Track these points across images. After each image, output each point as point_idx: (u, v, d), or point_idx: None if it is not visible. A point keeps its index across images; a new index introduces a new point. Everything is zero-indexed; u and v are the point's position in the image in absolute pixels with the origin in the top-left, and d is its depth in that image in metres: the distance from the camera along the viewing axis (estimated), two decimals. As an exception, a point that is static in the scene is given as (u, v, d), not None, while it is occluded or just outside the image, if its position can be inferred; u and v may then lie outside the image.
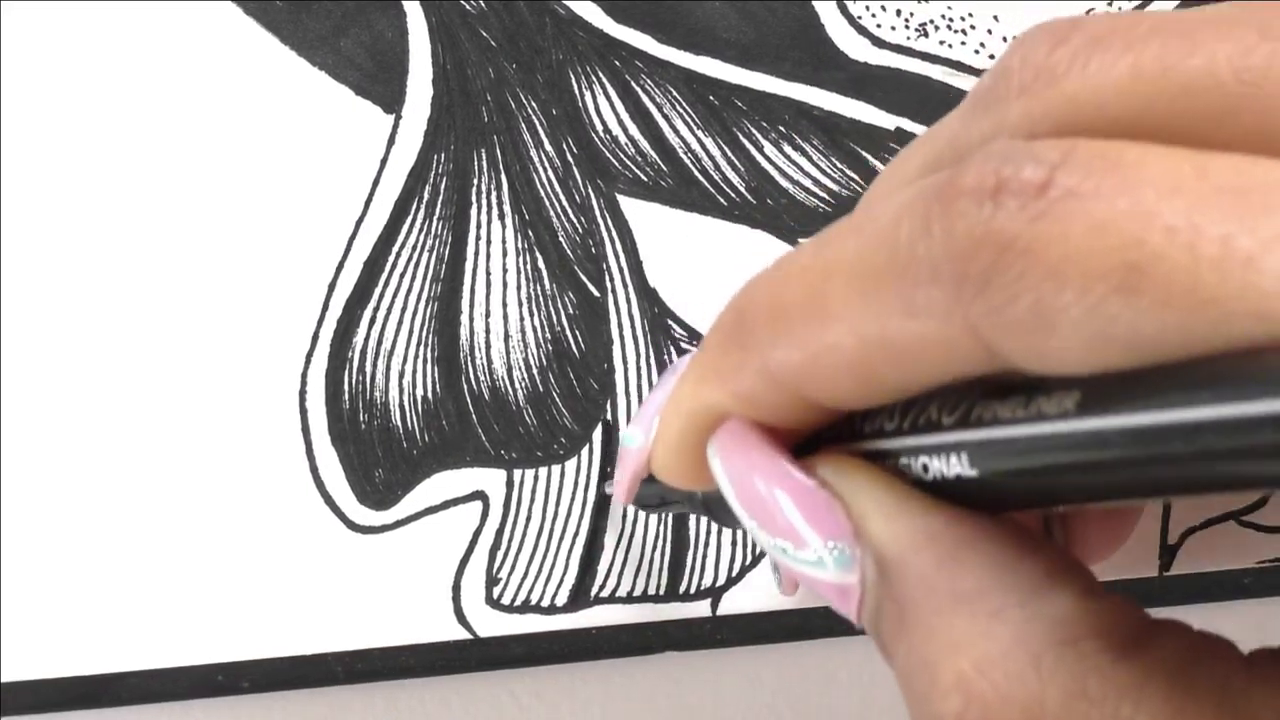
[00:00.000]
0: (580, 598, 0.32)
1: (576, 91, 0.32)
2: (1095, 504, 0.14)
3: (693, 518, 0.32)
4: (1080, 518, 0.21)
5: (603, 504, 0.31)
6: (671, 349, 0.32)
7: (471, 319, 0.32)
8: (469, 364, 0.32)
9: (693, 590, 0.32)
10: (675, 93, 0.32)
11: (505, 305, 0.32)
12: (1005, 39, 0.33)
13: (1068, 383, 0.13)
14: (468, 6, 0.32)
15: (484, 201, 0.32)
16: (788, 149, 0.32)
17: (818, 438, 0.18)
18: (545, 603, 0.32)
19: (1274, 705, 0.13)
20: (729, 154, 0.32)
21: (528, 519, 0.32)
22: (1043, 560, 0.15)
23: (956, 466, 0.15)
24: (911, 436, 0.16)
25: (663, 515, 0.32)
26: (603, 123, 0.32)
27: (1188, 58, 0.13)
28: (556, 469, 0.32)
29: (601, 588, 0.32)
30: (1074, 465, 0.13)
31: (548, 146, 0.32)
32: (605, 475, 0.32)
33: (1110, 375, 0.12)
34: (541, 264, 0.32)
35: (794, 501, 0.16)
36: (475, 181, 0.32)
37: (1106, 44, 0.13)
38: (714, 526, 0.32)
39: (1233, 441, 0.11)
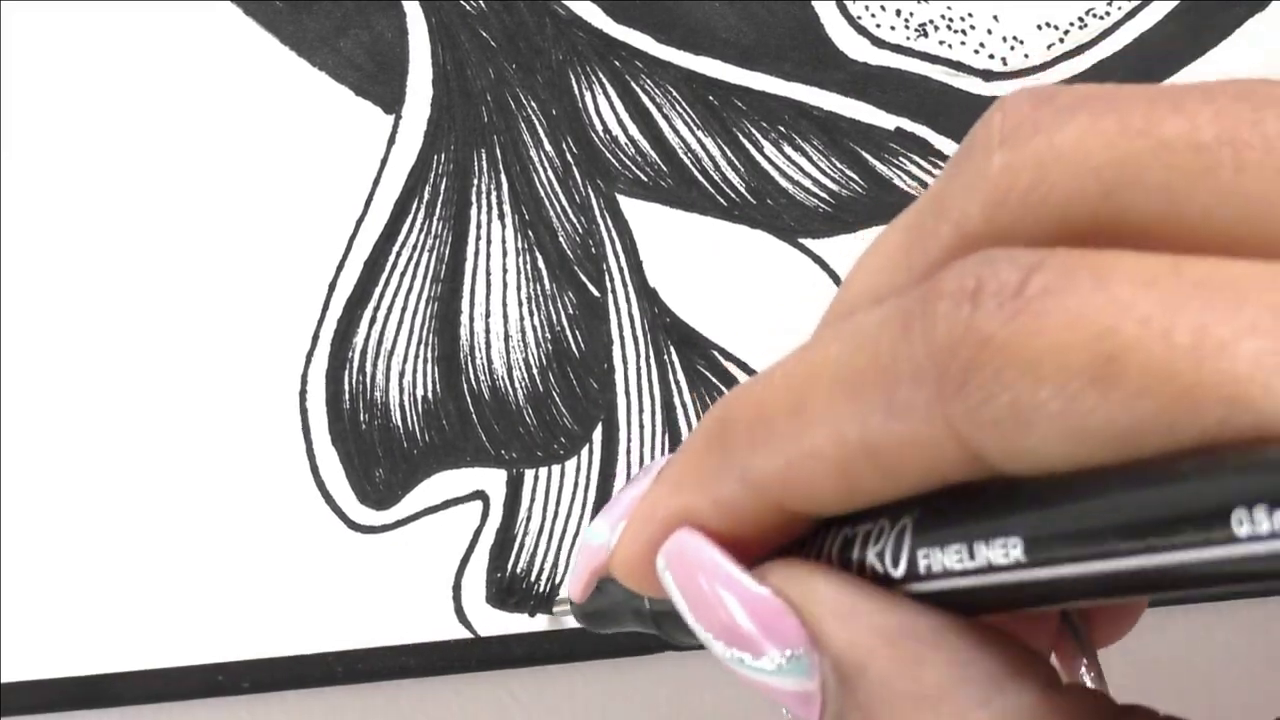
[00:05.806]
0: (580, 598, 0.32)
1: (576, 92, 0.32)
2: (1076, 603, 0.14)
3: None
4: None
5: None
6: (671, 349, 0.32)
7: (471, 319, 0.32)
8: (469, 364, 0.32)
9: (693, 590, 0.32)
10: (675, 93, 0.32)
11: (505, 305, 0.32)
12: (1005, 39, 0.33)
13: (1009, 528, 0.13)
14: (468, 7, 0.32)
15: (484, 201, 0.32)
16: (788, 149, 0.32)
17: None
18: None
19: None
20: (729, 154, 0.32)
21: (528, 519, 0.32)
22: (1003, 655, 0.15)
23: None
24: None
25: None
26: (603, 123, 0.32)
27: (1171, 116, 0.13)
28: (557, 469, 0.32)
29: (602, 588, 0.32)
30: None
31: (548, 146, 0.32)
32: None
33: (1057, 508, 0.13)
34: (541, 264, 0.32)
35: (747, 610, 0.16)
36: (475, 181, 0.32)
37: (1091, 104, 0.13)
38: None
39: (1195, 537, 0.11)
